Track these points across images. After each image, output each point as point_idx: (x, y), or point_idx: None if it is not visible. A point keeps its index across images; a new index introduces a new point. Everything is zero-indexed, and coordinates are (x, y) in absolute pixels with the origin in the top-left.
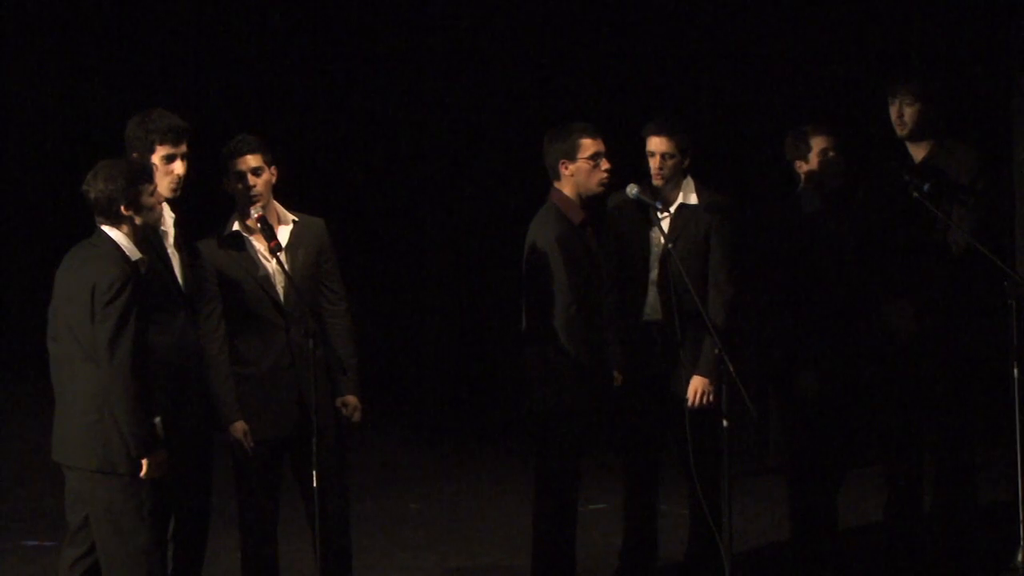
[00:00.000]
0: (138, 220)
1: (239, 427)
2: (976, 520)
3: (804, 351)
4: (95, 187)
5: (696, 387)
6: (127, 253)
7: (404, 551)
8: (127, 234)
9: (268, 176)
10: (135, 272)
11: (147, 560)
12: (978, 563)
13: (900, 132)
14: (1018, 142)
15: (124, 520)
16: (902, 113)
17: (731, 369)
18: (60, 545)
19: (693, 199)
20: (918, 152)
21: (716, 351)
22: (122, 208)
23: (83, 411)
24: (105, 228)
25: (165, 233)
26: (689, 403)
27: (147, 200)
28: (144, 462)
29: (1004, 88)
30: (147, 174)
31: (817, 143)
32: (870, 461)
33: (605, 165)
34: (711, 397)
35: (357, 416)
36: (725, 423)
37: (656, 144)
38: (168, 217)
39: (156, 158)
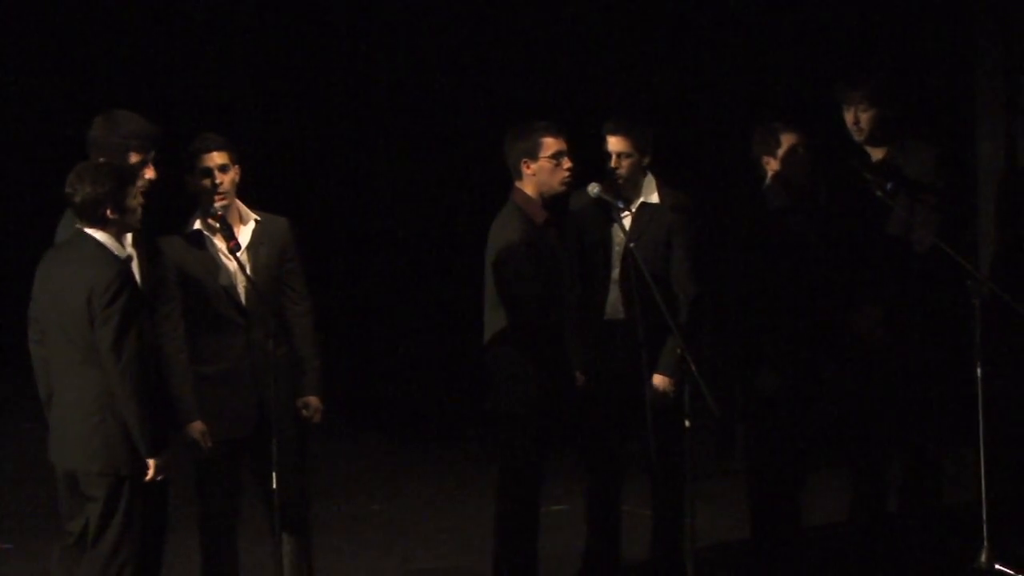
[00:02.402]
0: (121, 223)
1: (197, 427)
2: (941, 520)
3: (766, 349)
4: (81, 190)
5: (658, 384)
6: (115, 252)
7: (365, 552)
8: (111, 234)
9: (234, 174)
10: (128, 270)
11: (139, 561)
12: (942, 563)
13: (857, 137)
14: (981, 140)
15: (122, 522)
16: (858, 119)
17: (693, 368)
18: (20, 549)
19: (655, 198)
20: (877, 154)
21: (678, 350)
22: (108, 211)
23: (85, 415)
24: (88, 230)
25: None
26: (653, 402)
27: (131, 203)
28: (152, 462)
29: (967, 85)
30: (132, 177)
31: (787, 139)
32: (835, 461)
33: (567, 164)
34: (672, 396)
35: (318, 417)
36: (687, 423)
37: (613, 143)
38: None
39: (128, 163)
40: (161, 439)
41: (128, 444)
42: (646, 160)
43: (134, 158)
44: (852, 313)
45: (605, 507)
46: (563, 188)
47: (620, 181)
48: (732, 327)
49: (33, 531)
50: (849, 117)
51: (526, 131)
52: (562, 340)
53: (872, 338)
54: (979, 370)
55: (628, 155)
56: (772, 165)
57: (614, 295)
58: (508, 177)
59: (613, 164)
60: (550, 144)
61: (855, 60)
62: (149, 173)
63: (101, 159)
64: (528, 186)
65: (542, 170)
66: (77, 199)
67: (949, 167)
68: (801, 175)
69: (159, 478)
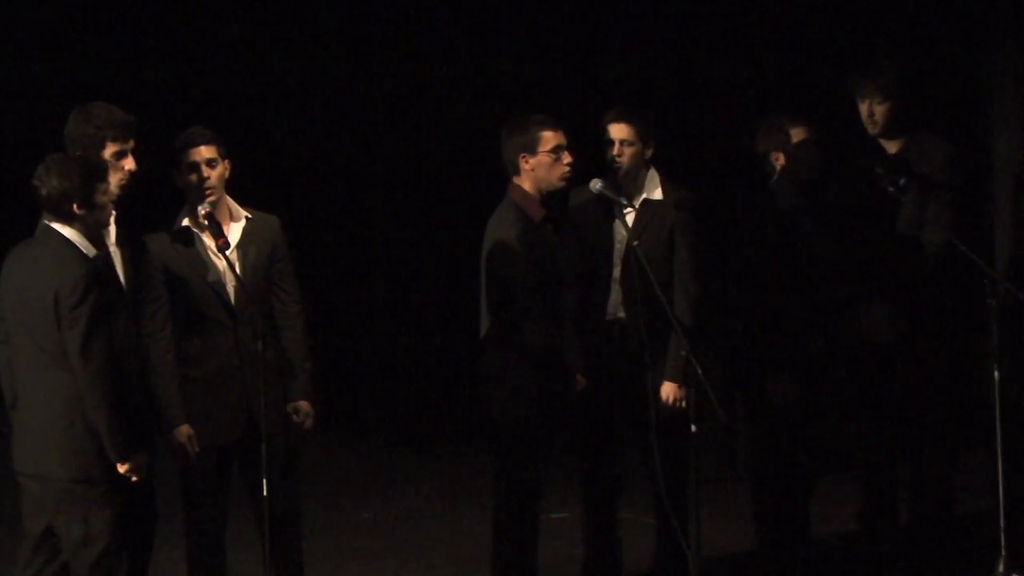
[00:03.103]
0: (90, 219)
1: (184, 431)
2: (954, 529)
3: (777, 354)
4: (48, 183)
5: (668, 393)
6: (83, 250)
7: (357, 561)
8: (79, 231)
9: (222, 169)
10: (95, 270)
11: (120, 569)
12: (957, 573)
13: (872, 131)
14: (998, 136)
15: (96, 529)
16: (873, 112)
17: (699, 372)
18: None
19: (658, 194)
20: (891, 148)
21: (683, 353)
22: (75, 206)
23: (52, 419)
24: (55, 225)
25: (107, 231)
26: (665, 407)
27: (100, 199)
28: (125, 467)
29: (981, 81)
30: (102, 172)
31: (794, 134)
32: (844, 468)
33: (567, 159)
34: (683, 403)
35: (309, 422)
36: (693, 428)
37: (616, 131)
38: None
39: (106, 155)
40: (133, 443)
41: (99, 449)
42: (648, 152)
43: (112, 148)
44: (858, 312)
45: (602, 515)
46: (562, 184)
47: (621, 172)
48: (740, 330)
49: (14, 539)
50: (864, 110)
51: (524, 125)
52: (562, 343)
53: (878, 338)
54: (996, 373)
55: (631, 143)
56: (779, 161)
57: (615, 295)
58: (504, 173)
59: (615, 152)
60: (549, 138)
61: (868, 52)
62: (129, 164)
63: (78, 153)
64: (526, 182)
65: (541, 165)
66: (43, 192)
67: (964, 163)
68: (809, 171)
69: (133, 481)
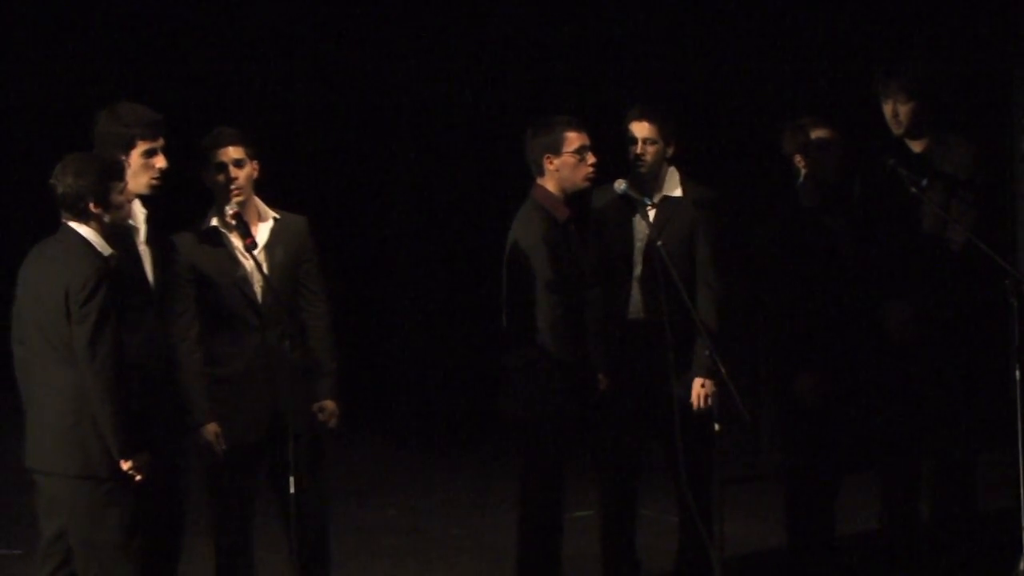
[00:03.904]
0: (106, 218)
1: (211, 429)
2: (976, 527)
3: (803, 353)
4: (63, 182)
5: (698, 390)
6: (98, 249)
7: (383, 559)
8: (95, 230)
9: (250, 169)
10: (108, 268)
11: (127, 569)
12: (979, 571)
13: (896, 131)
14: (1019, 136)
15: (104, 528)
16: (897, 112)
17: (723, 371)
18: (28, 554)
19: (678, 192)
20: (916, 148)
21: (707, 352)
22: (91, 205)
23: (60, 415)
24: (72, 224)
25: (136, 229)
26: (694, 407)
27: (116, 198)
28: (128, 464)
29: (1005, 81)
30: (118, 171)
31: (818, 135)
32: (866, 466)
33: (591, 159)
34: (710, 400)
35: (334, 422)
36: (717, 427)
37: (639, 129)
38: (139, 213)
39: (136, 154)
40: (137, 442)
41: (105, 446)
42: (670, 150)
43: (142, 146)
44: (882, 311)
45: (619, 512)
46: (586, 184)
47: (643, 170)
48: (766, 329)
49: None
50: (888, 109)
51: (548, 126)
52: (584, 341)
53: (902, 336)
54: (1017, 371)
55: (653, 141)
56: (804, 162)
57: (636, 294)
58: (528, 174)
59: (638, 151)
60: (573, 139)
61: (892, 52)
62: (160, 162)
63: (111, 151)
64: (550, 182)
65: (565, 165)
66: (60, 190)
67: (988, 164)
68: (833, 172)
69: (137, 480)
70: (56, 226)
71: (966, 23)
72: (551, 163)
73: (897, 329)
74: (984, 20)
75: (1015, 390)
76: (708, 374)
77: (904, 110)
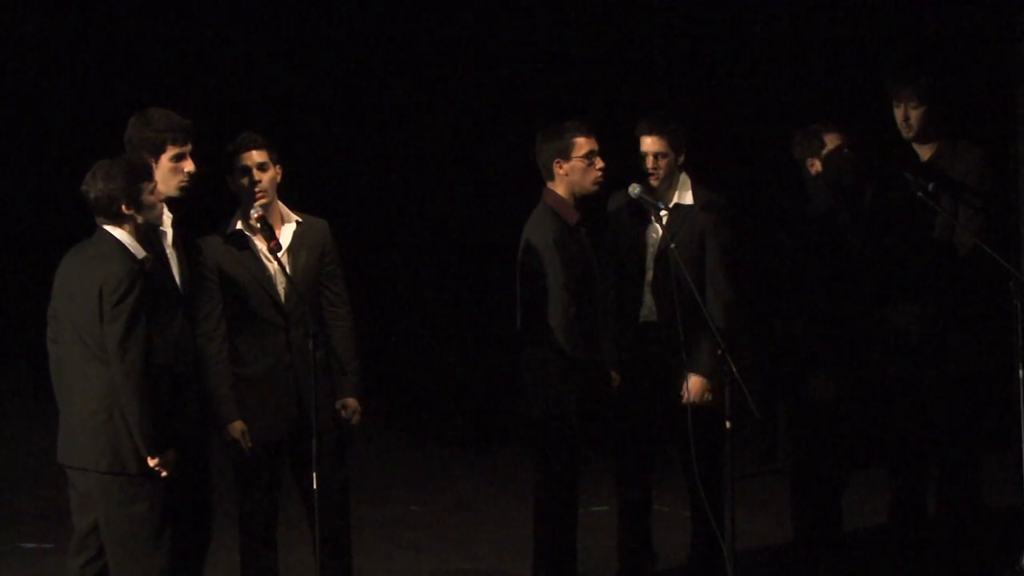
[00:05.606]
0: (139, 219)
1: (237, 427)
2: (981, 522)
3: (816, 353)
4: (95, 187)
5: (694, 387)
6: (132, 251)
7: (404, 553)
8: (129, 232)
9: (274, 173)
10: (142, 270)
11: (157, 563)
12: (982, 565)
13: (906, 134)
14: (1022, 141)
15: (135, 522)
16: (908, 116)
17: (733, 370)
18: (59, 548)
19: (688, 198)
20: (924, 152)
21: (719, 352)
22: (123, 207)
23: (92, 412)
24: (107, 227)
25: (164, 232)
26: (683, 400)
27: (147, 198)
28: (155, 461)
29: (1010, 87)
30: (146, 172)
31: (830, 140)
32: (874, 463)
33: (599, 164)
34: (710, 397)
35: (357, 419)
36: (728, 424)
37: (648, 144)
38: (166, 216)
39: (166, 158)
40: (164, 440)
41: (135, 443)
42: (680, 159)
43: (172, 151)
44: (888, 310)
45: (635, 508)
46: (595, 188)
47: (656, 183)
48: (778, 330)
49: (72, 530)
50: (899, 114)
51: (558, 131)
52: (597, 340)
53: (907, 335)
54: (1020, 371)
55: (664, 155)
56: (816, 167)
57: (648, 298)
58: (538, 178)
59: (650, 166)
60: (583, 144)
61: (902, 58)
62: (189, 166)
63: (141, 156)
64: (560, 187)
65: (575, 170)
66: (92, 196)
67: (995, 170)
68: (845, 176)
69: (167, 474)
70: (90, 231)
71: (972, 29)
72: (561, 168)
73: (903, 329)
74: (990, 26)
75: (1018, 390)
76: (706, 373)
77: (915, 115)
